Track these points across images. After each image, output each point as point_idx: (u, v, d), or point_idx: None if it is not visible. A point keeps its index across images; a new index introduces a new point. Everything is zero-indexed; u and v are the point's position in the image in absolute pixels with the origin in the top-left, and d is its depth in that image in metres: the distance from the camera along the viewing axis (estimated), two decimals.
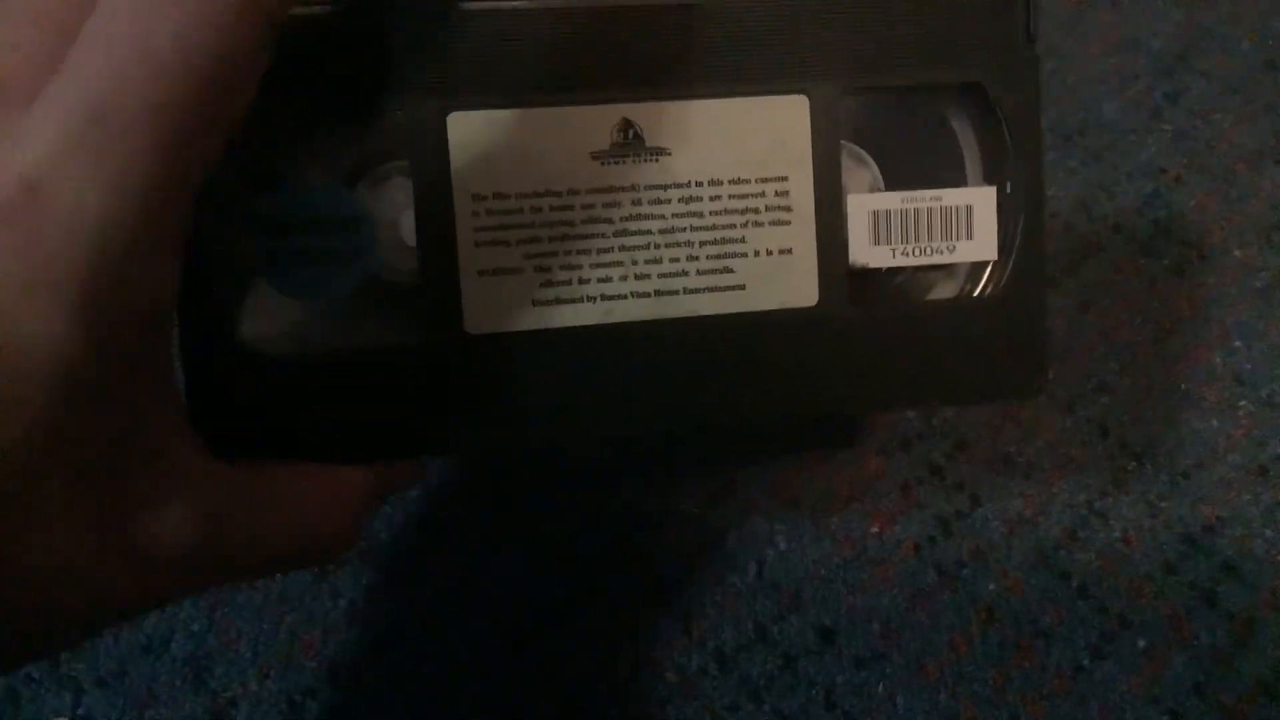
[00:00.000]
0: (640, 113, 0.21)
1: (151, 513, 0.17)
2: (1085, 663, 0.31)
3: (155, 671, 0.28)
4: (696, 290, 0.22)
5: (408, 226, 0.21)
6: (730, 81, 0.21)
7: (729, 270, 0.22)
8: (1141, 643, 0.31)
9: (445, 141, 0.20)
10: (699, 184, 0.22)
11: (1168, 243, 0.36)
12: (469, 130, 0.21)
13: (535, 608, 0.30)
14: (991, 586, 0.31)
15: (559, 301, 0.21)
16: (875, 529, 0.32)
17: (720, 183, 0.22)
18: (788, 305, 0.22)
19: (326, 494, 0.20)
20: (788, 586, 0.31)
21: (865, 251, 0.23)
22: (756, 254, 0.22)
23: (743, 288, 0.22)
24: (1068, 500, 0.33)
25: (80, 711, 0.28)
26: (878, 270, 0.23)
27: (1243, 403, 0.34)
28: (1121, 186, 0.36)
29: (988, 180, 0.23)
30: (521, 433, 0.21)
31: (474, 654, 0.30)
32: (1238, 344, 0.35)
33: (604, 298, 0.21)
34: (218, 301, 0.20)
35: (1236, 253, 0.36)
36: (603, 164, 0.21)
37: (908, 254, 0.23)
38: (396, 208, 0.21)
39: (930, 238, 0.23)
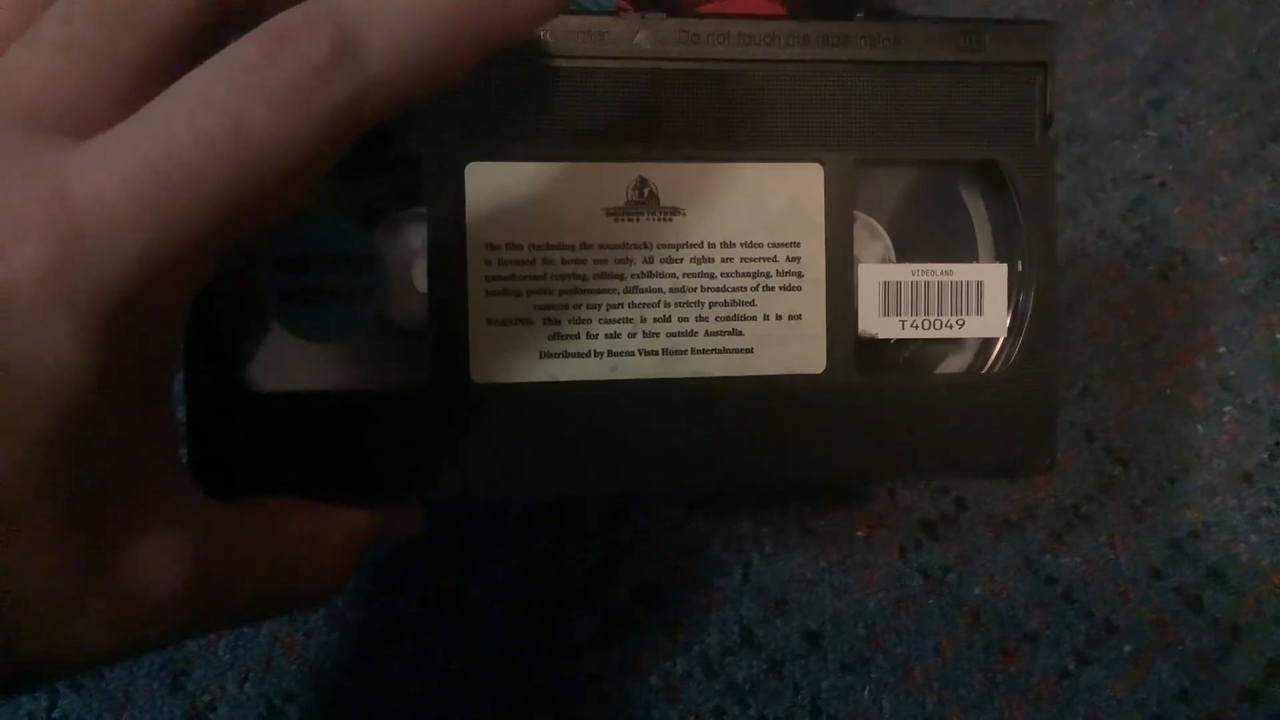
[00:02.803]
0: (656, 172, 0.21)
1: (140, 550, 0.16)
2: (1071, 667, 0.30)
3: (132, 674, 0.28)
4: (704, 351, 0.22)
5: (419, 271, 0.21)
6: (746, 146, 0.22)
7: (738, 333, 0.22)
8: (1127, 647, 0.31)
9: (462, 190, 0.21)
10: (711, 245, 0.22)
11: (1153, 248, 0.36)
12: (486, 180, 0.21)
13: (520, 612, 0.30)
14: (977, 591, 0.31)
15: (566, 355, 0.21)
16: (861, 533, 0.32)
17: (733, 245, 0.22)
18: (795, 371, 0.22)
19: (324, 533, 0.20)
20: (773, 590, 0.31)
21: (874, 321, 0.23)
22: (766, 318, 0.22)
23: (751, 351, 0.22)
24: (1053, 505, 0.33)
25: (55, 715, 0.28)
26: (887, 341, 0.23)
27: (1228, 408, 0.34)
28: (1107, 192, 0.36)
29: (999, 257, 0.24)
30: (520, 485, 0.21)
31: (457, 658, 0.29)
32: (1222, 350, 0.35)
33: (611, 354, 0.21)
34: (224, 337, 0.20)
35: (1221, 259, 0.36)
36: (617, 220, 0.21)
37: (917, 326, 0.23)
38: (410, 252, 0.21)
39: (940, 311, 0.23)
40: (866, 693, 0.30)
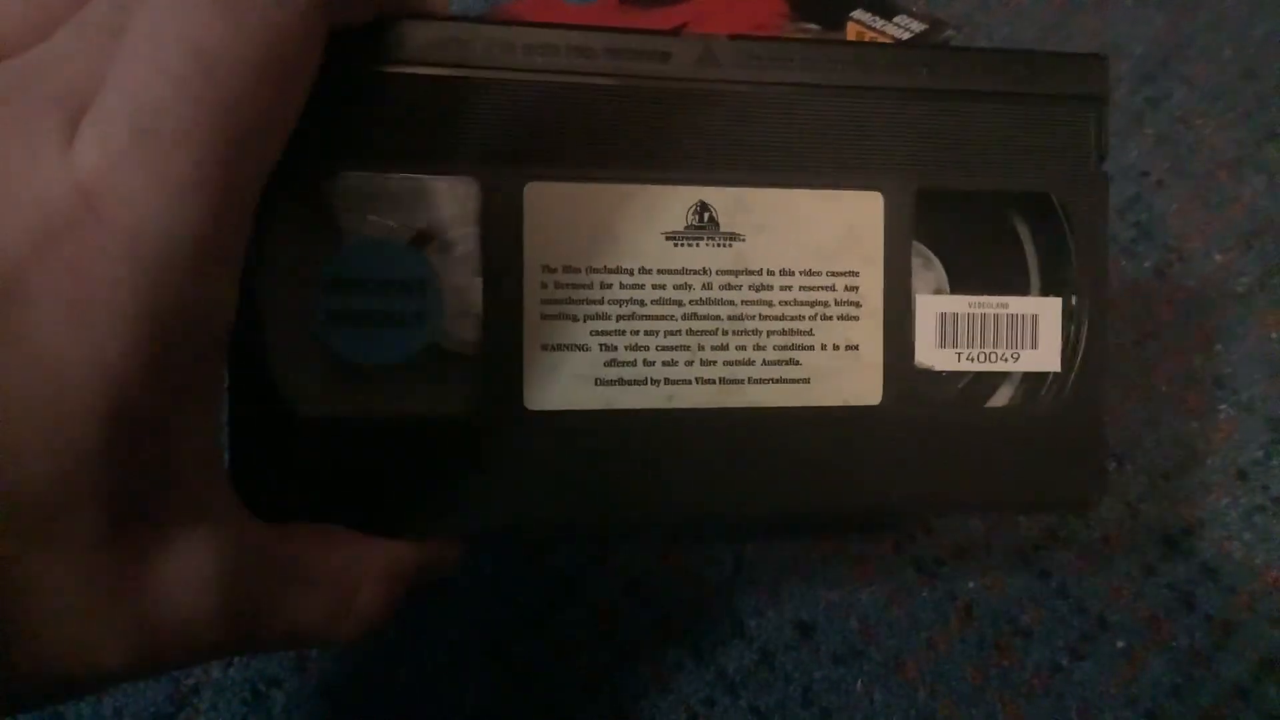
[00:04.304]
0: (716, 196, 0.21)
1: (172, 568, 0.16)
2: (1064, 662, 0.30)
3: None
4: (762, 381, 0.21)
5: (473, 294, 0.20)
6: (808, 172, 0.21)
7: (795, 363, 0.21)
8: (1120, 643, 0.31)
9: (520, 211, 0.20)
10: (770, 273, 0.21)
11: (1149, 246, 0.36)
12: (545, 201, 0.20)
13: (508, 602, 0.30)
14: (971, 584, 0.31)
15: (622, 382, 0.21)
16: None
17: (791, 273, 0.21)
18: (851, 403, 0.22)
19: (366, 564, 0.19)
20: (766, 581, 0.30)
21: (931, 353, 0.22)
22: (823, 348, 0.21)
23: (807, 381, 0.21)
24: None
25: None
26: (940, 373, 0.23)
27: (1222, 406, 0.34)
28: None
29: (1048, 290, 0.23)
30: (571, 517, 0.20)
31: (446, 648, 0.29)
32: (1218, 348, 0.35)
33: (668, 381, 0.21)
34: (269, 359, 0.19)
35: (1217, 257, 0.36)
36: (676, 245, 0.21)
37: (973, 359, 0.23)
38: (463, 274, 0.21)
39: (996, 344, 0.23)
40: (858, 685, 0.29)
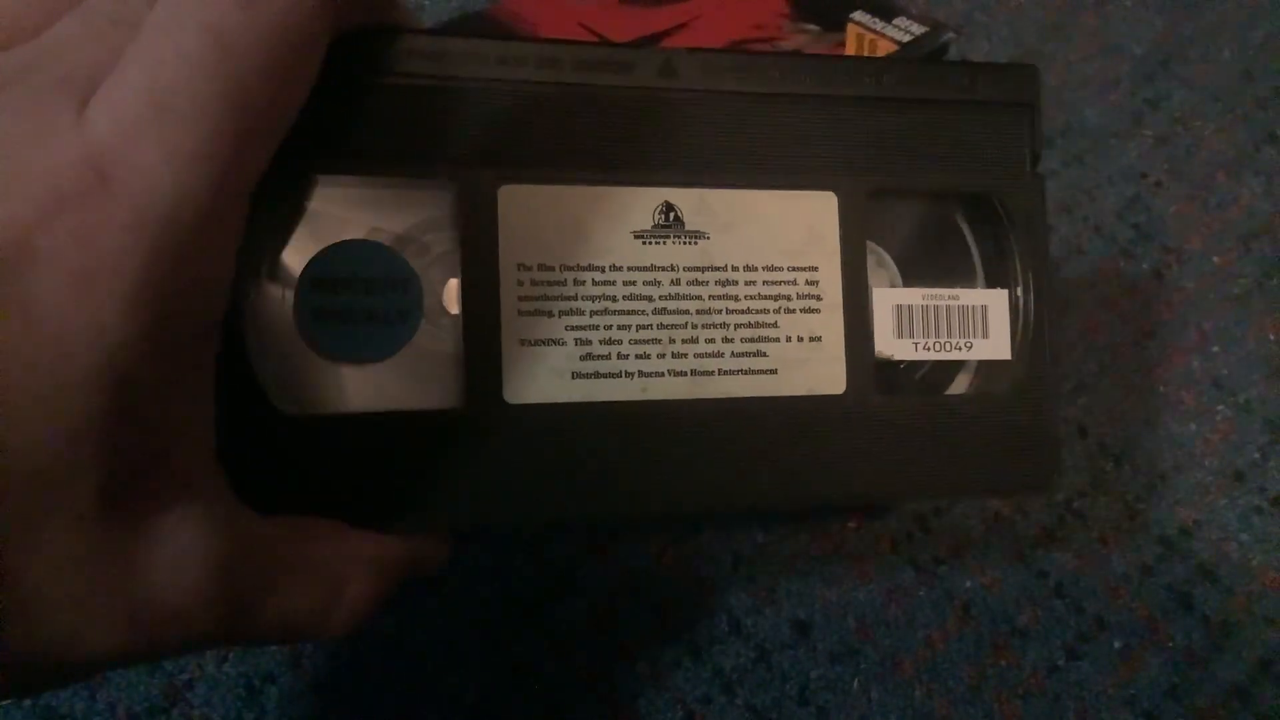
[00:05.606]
0: (681, 197, 0.22)
1: (165, 547, 0.16)
2: (1061, 662, 0.30)
3: None
4: (731, 372, 0.22)
5: (450, 293, 0.21)
6: (766, 174, 0.22)
7: (762, 354, 0.22)
8: (1117, 644, 0.31)
9: (495, 212, 0.21)
10: (734, 268, 0.22)
11: (1148, 247, 0.36)
12: (519, 203, 0.21)
13: (505, 598, 0.29)
14: (968, 584, 0.31)
15: (598, 375, 0.21)
16: (853, 524, 0.31)
17: (755, 269, 0.22)
18: (817, 392, 0.23)
19: (355, 557, 0.19)
20: (763, 580, 0.30)
21: (889, 343, 0.24)
22: (788, 339, 0.22)
23: (774, 372, 0.22)
24: (1045, 500, 0.32)
25: None
26: (900, 363, 0.24)
27: (1220, 407, 0.34)
28: (1102, 190, 0.37)
29: (994, 283, 0.25)
30: (552, 509, 0.21)
31: (443, 645, 0.29)
32: (1216, 349, 0.35)
33: (641, 374, 0.22)
34: (254, 358, 0.20)
35: (1215, 258, 0.36)
36: (644, 243, 0.22)
37: (929, 348, 0.24)
38: (442, 274, 0.22)
39: (950, 334, 0.24)
40: (855, 684, 0.29)
